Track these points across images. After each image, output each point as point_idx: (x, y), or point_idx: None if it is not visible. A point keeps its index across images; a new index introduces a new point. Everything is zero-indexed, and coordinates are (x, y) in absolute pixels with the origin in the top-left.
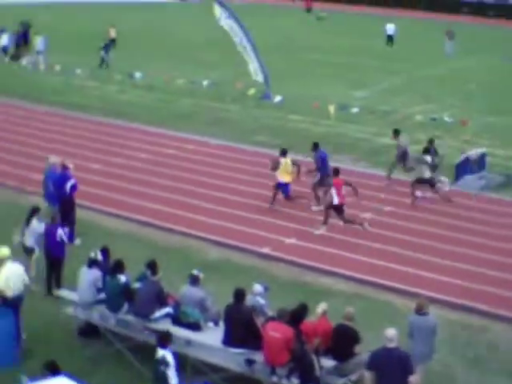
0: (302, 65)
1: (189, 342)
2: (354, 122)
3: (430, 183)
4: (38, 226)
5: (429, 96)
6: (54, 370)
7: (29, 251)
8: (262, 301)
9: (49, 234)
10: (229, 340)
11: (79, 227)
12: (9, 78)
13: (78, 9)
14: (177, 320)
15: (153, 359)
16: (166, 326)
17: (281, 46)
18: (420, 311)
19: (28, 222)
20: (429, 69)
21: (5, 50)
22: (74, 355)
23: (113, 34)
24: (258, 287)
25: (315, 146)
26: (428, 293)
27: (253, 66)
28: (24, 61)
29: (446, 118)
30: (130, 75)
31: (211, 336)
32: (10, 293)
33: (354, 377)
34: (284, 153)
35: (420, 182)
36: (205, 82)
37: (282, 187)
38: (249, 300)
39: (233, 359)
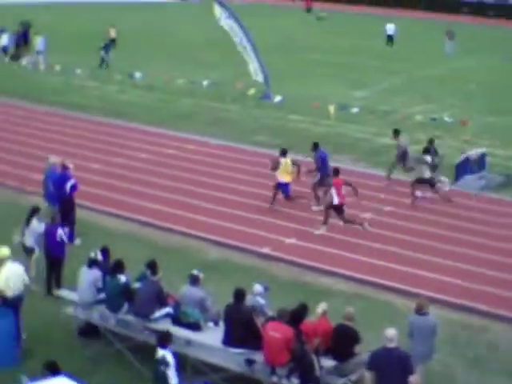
0: (302, 65)
1: (189, 342)
2: (354, 122)
3: (430, 183)
4: (37, 225)
5: (429, 96)
6: (54, 370)
7: (29, 251)
8: (262, 301)
9: (49, 234)
10: (229, 340)
11: (79, 227)
12: (9, 77)
13: (77, 9)
14: (177, 320)
15: (153, 359)
16: (166, 326)
17: (281, 46)
18: (420, 311)
19: (28, 221)
20: (429, 69)
21: (5, 50)
22: (74, 355)
23: (113, 33)
24: (258, 287)
25: (315, 146)
26: (428, 293)
27: (253, 66)
28: (24, 61)
29: (446, 118)
30: (130, 75)
31: (211, 336)
32: (10, 293)
33: (354, 377)
34: (284, 153)
35: (420, 182)
36: (205, 82)
37: (281, 187)
38: (249, 300)
39: (233, 359)
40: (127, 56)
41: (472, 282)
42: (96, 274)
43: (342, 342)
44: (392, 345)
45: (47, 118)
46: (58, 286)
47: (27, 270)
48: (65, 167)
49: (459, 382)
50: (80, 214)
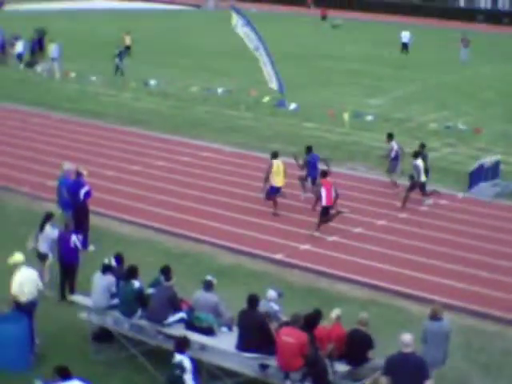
0: (317, 72)
1: (203, 347)
2: (369, 130)
3: (421, 187)
4: (51, 232)
5: (443, 103)
6: (64, 374)
7: (42, 257)
8: (275, 306)
9: (62, 241)
10: (242, 345)
11: (93, 234)
12: (24, 85)
13: (92, 16)
14: (190, 325)
15: (166, 364)
16: (180, 330)
17: (296, 54)
18: (434, 317)
19: (42, 228)
20: (443, 76)
21: (20, 57)
22: (88, 360)
23: (128, 41)
24: (272, 293)
25: (308, 150)
26: (442, 299)
27: (268, 74)
28: (39, 68)
29: (461, 126)
30: (144, 82)
31: (225, 341)
32: (23, 298)
33: (367, 382)
34: (275, 155)
35: (415, 185)
36: (219, 90)
37: (271, 189)
38: (263, 305)
39: (247, 364)
40: (142, 63)
41: (486, 288)
42: (110, 279)
43: (356, 347)
44: (408, 350)
45: (62, 125)
46: (72, 291)
47: (41, 275)
48: (79, 174)
49: None
50: (94, 220)
